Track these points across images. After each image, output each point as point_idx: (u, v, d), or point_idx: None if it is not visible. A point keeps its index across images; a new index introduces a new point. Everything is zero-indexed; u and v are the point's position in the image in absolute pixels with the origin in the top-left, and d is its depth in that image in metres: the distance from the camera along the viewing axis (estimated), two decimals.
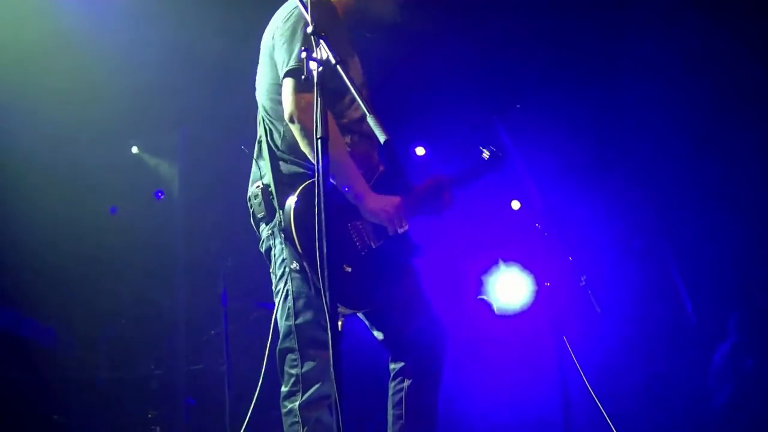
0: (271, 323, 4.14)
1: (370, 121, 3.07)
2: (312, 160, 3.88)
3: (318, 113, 3.11)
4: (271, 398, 4.28)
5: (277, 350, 4.05)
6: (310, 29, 3.22)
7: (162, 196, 8.94)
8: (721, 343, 7.76)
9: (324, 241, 3.04)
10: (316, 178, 3.08)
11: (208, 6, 7.42)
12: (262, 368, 4.22)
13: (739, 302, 7.83)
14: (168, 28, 7.61)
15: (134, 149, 8.99)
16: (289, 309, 3.98)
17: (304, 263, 3.81)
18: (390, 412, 4.28)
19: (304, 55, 3.20)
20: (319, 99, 3.12)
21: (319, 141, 3.09)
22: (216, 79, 7.76)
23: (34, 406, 7.34)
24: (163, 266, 8.59)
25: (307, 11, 3.31)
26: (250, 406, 4.32)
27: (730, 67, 7.71)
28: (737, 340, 7.69)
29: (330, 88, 3.20)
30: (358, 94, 3.17)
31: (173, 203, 8.93)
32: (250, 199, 4.17)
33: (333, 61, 3.15)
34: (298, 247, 3.80)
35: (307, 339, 3.94)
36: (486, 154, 4.65)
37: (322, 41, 3.19)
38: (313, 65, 3.18)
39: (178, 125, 8.78)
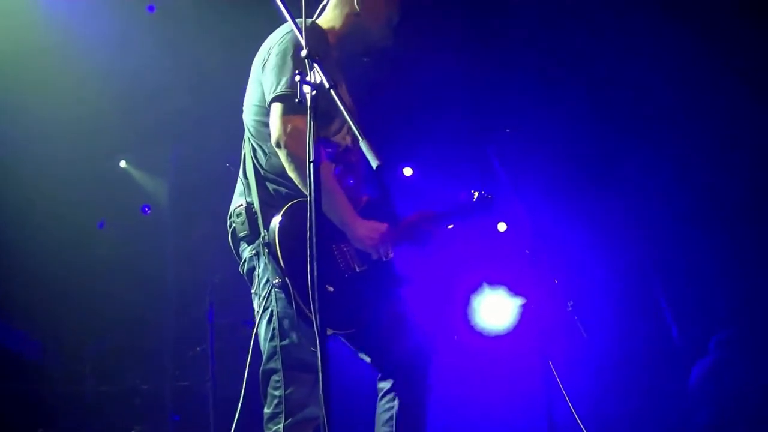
0: (250, 343, 4.10)
1: (363, 145, 3.07)
2: (299, 185, 3.92)
3: (311, 137, 3.12)
4: (254, 419, 4.27)
5: (260, 371, 4.03)
6: (304, 52, 3.23)
7: (149, 211, 8.92)
8: (702, 360, 7.79)
9: (315, 264, 3.05)
10: (308, 202, 3.09)
11: (201, 20, 7.46)
12: (242, 390, 4.18)
13: (724, 322, 7.86)
14: (160, 42, 7.65)
15: (122, 163, 8.99)
16: (274, 330, 3.95)
17: (286, 278, 3.79)
18: (379, 430, 4.28)
19: (297, 78, 3.19)
20: (312, 123, 3.14)
21: (311, 165, 3.11)
22: (206, 94, 7.77)
23: (19, 418, 7.32)
24: (150, 281, 8.55)
25: (302, 34, 3.32)
26: (232, 426, 4.30)
27: (716, 82, 7.74)
28: (719, 359, 7.72)
29: (319, 114, 3.20)
30: (349, 118, 3.19)
31: (161, 218, 8.92)
32: (231, 217, 4.15)
33: (327, 85, 3.15)
34: (281, 262, 3.80)
35: (292, 360, 3.92)
36: (476, 195, 4.69)
37: (315, 65, 3.20)
38: (306, 89, 3.19)
39: (167, 140, 8.78)
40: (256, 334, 4.10)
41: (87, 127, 7.82)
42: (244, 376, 4.15)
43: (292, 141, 3.85)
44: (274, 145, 3.94)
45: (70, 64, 7.52)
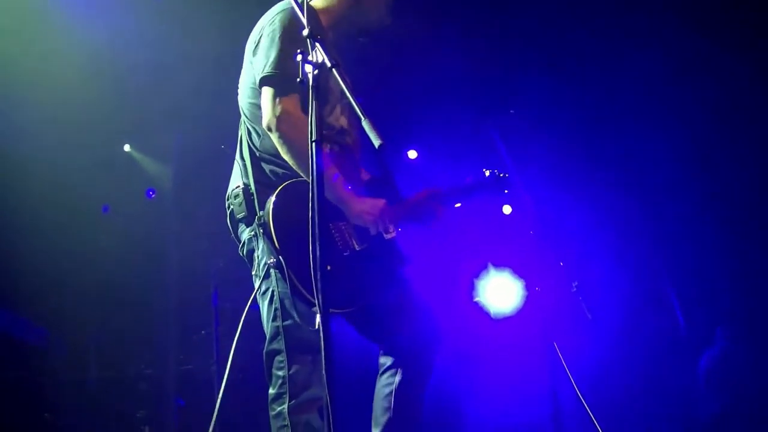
0: (240, 323, 4.06)
1: (365, 124, 3.06)
2: (293, 166, 3.93)
3: (313, 116, 3.10)
4: (259, 401, 4.25)
5: (264, 352, 4.02)
6: (306, 32, 3.21)
7: (154, 195, 8.92)
8: (709, 350, 7.78)
9: (317, 245, 3.04)
10: (310, 183, 3.08)
11: (204, 7, 7.43)
12: (225, 372, 4.14)
13: (730, 310, 7.85)
14: (163, 28, 7.63)
15: (126, 147, 8.97)
16: (276, 310, 3.95)
17: (281, 258, 3.78)
18: (378, 404, 4.27)
19: (299, 58, 3.17)
20: (314, 102, 3.11)
21: (313, 144, 3.08)
22: (209, 79, 7.74)
23: (25, 405, 7.33)
24: (154, 265, 8.57)
25: (303, 14, 3.30)
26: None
27: (724, 78, 7.72)
28: (727, 349, 7.71)
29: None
30: (351, 97, 3.17)
31: (165, 202, 8.92)
32: (229, 198, 4.15)
33: (329, 64, 3.14)
34: (276, 242, 3.79)
35: (294, 340, 3.92)
36: (487, 173, 4.68)
37: (317, 44, 3.18)
38: (308, 68, 3.16)
39: (171, 124, 8.77)
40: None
41: (91, 112, 7.81)
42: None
43: (282, 123, 3.87)
44: (265, 128, 3.94)
45: (74, 50, 7.51)
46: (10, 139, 7.55)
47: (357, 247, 4.09)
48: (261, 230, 3.89)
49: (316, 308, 3.02)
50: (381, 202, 4.13)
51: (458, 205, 4.67)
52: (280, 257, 3.78)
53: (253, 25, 4.27)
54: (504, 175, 4.76)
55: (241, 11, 6.83)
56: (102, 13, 7.45)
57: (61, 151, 7.88)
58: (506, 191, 4.81)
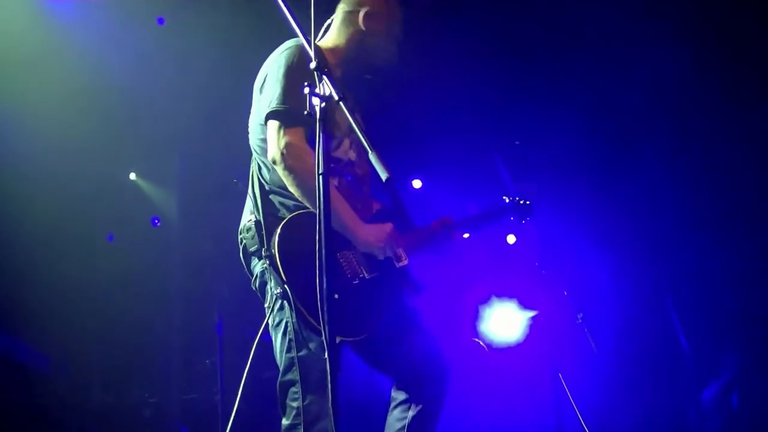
0: (251, 352, 4.10)
1: (372, 158, 3.07)
2: (299, 198, 3.95)
3: (319, 149, 3.12)
4: (272, 429, 4.25)
5: (278, 383, 4.02)
6: (313, 65, 3.23)
7: (159, 223, 8.94)
8: (713, 378, 7.75)
9: (324, 277, 3.04)
10: (317, 216, 3.09)
11: (210, 33, 7.48)
12: (235, 402, 4.18)
13: (735, 338, 7.83)
14: (170, 55, 7.67)
15: (132, 175, 9.00)
16: (290, 341, 3.95)
17: (287, 287, 3.79)
18: None
19: (306, 90, 3.19)
20: (321, 135, 3.13)
21: (320, 177, 3.10)
22: (215, 107, 7.79)
23: (28, 431, 7.32)
24: (158, 293, 8.55)
25: (310, 47, 3.32)
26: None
27: (727, 102, 7.74)
28: (730, 376, 7.69)
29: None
30: (359, 131, 3.19)
31: (170, 230, 8.93)
32: (241, 232, 4.16)
33: (336, 97, 3.15)
34: (282, 273, 3.80)
35: (309, 371, 3.92)
36: (507, 200, 4.70)
37: (325, 77, 3.21)
38: (315, 101, 3.19)
39: (176, 152, 8.81)
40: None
41: (97, 140, 7.84)
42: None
43: (287, 156, 3.90)
44: (270, 162, 3.98)
45: (79, 77, 7.56)
46: (15, 166, 7.56)
47: (367, 276, 4.10)
48: (268, 262, 3.90)
49: (323, 337, 3.03)
50: (388, 227, 4.16)
51: (467, 235, 4.68)
52: (286, 287, 3.79)
53: (259, 54, 4.31)
54: (526, 202, 4.77)
55: (246, 39, 6.93)
56: (107, 41, 7.51)
57: (66, 179, 7.90)
58: (528, 218, 4.82)
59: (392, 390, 4.34)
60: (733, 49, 7.54)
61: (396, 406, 4.30)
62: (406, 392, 4.27)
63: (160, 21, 7.70)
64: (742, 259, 7.87)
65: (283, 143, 3.90)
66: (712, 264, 7.98)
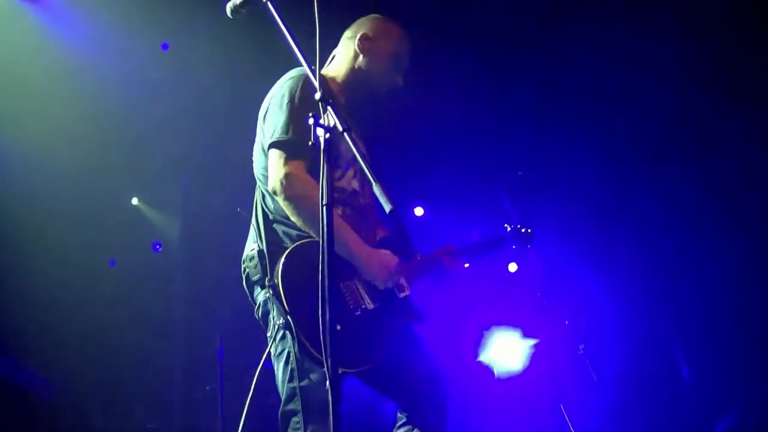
0: (253, 380, 4.11)
1: (376, 190, 3.08)
2: (302, 228, 3.96)
3: (324, 179, 3.13)
4: None
5: (279, 413, 4.00)
6: (318, 95, 3.24)
7: (160, 249, 8.94)
8: (722, 413, 7.71)
9: (327, 307, 3.04)
10: (320, 246, 3.09)
11: (214, 59, 7.51)
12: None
13: (740, 371, 7.80)
14: (172, 81, 7.70)
15: (134, 201, 9.02)
16: (292, 371, 3.93)
17: (289, 318, 3.79)
18: None
19: (311, 121, 3.20)
20: (325, 165, 3.14)
21: (324, 207, 3.10)
22: (218, 132, 7.82)
23: None
24: (160, 319, 8.55)
25: (315, 78, 3.34)
26: None
27: (731, 127, 7.75)
28: (740, 410, 7.65)
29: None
30: (363, 162, 3.20)
31: (172, 256, 8.94)
32: (245, 261, 4.16)
33: (340, 128, 3.16)
34: (285, 303, 3.80)
35: (311, 401, 3.90)
36: (508, 228, 4.70)
37: (329, 108, 3.22)
38: (320, 131, 3.20)
39: (178, 178, 8.83)
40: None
41: (99, 165, 7.87)
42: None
43: (287, 186, 3.91)
44: (271, 192, 3.99)
45: (83, 102, 7.58)
46: (17, 192, 7.58)
47: (370, 306, 4.10)
48: (271, 291, 3.90)
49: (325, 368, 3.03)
50: (393, 260, 4.16)
51: (467, 265, 4.68)
52: (289, 317, 3.79)
53: (264, 80, 4.33)
54: (527, 231, 4.77)
55: (250, 66, 6.96)
56: (111, 67, 7.53)
57: (68, 204, 7.92)
58: (529, 246, 4.82)
59: (398, 411, 4.34)
60: (732, 63, 7.54)
61: (400, 426, 4.30)
62: (408, 416, 4.27)
63: (165, 47, 7.72)
64: (750, 287, 7.85)
65: (282, 173, 3.91)
66: (718, 294, 7.96)
